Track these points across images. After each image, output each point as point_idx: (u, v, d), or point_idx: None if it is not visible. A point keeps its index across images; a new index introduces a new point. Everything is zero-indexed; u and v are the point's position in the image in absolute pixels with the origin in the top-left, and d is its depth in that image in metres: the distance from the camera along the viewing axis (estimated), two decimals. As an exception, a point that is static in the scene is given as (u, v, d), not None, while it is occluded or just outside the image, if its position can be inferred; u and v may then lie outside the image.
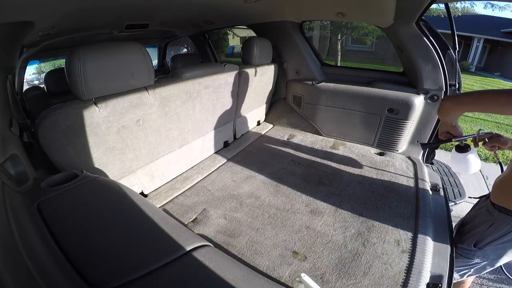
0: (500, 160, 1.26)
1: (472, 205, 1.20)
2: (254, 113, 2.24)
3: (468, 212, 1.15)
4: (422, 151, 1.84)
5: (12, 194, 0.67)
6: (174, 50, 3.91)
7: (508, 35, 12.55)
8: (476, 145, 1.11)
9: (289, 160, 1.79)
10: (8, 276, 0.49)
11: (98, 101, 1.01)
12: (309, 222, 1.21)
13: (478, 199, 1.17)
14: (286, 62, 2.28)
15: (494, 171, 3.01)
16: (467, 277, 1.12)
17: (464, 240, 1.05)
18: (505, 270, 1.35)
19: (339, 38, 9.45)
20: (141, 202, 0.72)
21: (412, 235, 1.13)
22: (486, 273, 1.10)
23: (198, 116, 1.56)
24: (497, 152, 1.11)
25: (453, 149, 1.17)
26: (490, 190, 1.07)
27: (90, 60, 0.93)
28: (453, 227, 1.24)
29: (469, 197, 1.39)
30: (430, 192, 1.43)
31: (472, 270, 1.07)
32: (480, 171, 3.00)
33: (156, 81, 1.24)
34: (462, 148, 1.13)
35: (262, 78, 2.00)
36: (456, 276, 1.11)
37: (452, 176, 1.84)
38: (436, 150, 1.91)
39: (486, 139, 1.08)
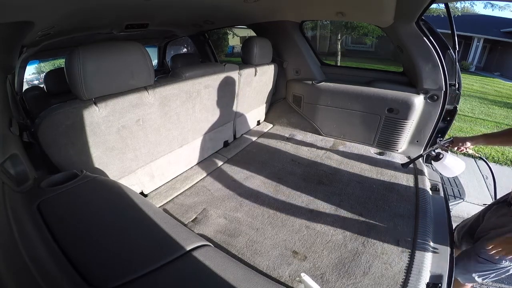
0: (479, 155, 1.49)
1: (475, 205, 1.21)
2: (254, 112, 2.24)
3: (482, 220, 1.15)
4: (430, 155, 1.84)
5: (12, 194, 0.67)
6: (174, 50, 3.91)
7: (508, 35, 12.54)
8: (446, 150, 1.30)
9: (289, 160, 1.79)
10: (8, 276, 0.49)
11: (98, 101, 1.01)
12: (309, 222, 1.21)
13: (488, 206, 1.17)
14: (286, 62, 2.27)
15: (494, 171, 3.01)
16: (489, 280, 1.11)
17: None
18: None
19: (339, 38, 9.44)
20: (141, 202, 0.72)
21: (412, 235, 1.13)
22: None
23: (198, 115, 1.56)
24: (468, 150, 1.26)
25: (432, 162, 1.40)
26: (501, 197, 1.08)
27: (90, 60, 0.93)
28: (453, 227, 1.24)
29: (484, 204, 1.42)
30: (430, 192, 1.43)
31: (495, 274, 1.07)
32: (480, 171, 3.00)
33: (156, 81, 1.24)
34: (436, 157, 1.31)
35: (262, 78, 2.00)
36: (479, 280, 1.11)
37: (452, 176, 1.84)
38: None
39: (450, 144, 1.27)
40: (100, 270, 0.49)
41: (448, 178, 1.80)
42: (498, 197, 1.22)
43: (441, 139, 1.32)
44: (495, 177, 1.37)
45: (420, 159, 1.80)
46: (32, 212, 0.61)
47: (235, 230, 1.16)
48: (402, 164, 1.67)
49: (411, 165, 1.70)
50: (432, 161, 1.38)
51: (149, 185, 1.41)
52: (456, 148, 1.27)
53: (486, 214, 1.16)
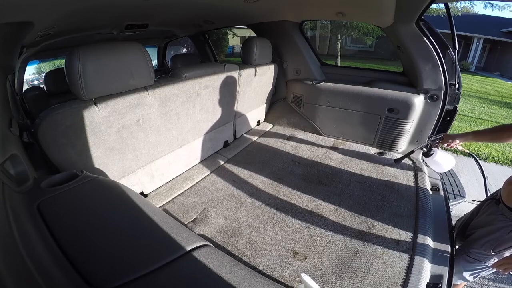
0: (468, 152, 1.53)
1: (475, 205, 1.21)
2: (254, 113, 2.24)
3: (476, 216, 1.16)
4: (422, 151, 1.84)
5: (12, 194, 0.67)
6: (174, 50, 3.91)
7: (508, 35, 12.53)
8: (436, 147, 1.35)
9: (289, 160, 1.79)
10: (8, 276, 0.49)
11: (98, 101, 1.01)
12: (309, 222, 1.21)
13: (482, 202, 1.18)
14: (286, 62, 2.28)
15: (494, 171, 3.02)
16: (480, 277, 1.13)
17: (480, 245, 1.05)
18: None
19: (339, 38, 9.44)
20: (141, 202, 0.72)
21: (412, 235, 1.13)
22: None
23: (198, 116, 1.56)
24: (458, 147, 1.29)
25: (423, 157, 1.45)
26: (493, 192, 1.09)
27: (90, 60, 0.93)
28: (453, 227, 1.25)
29: (473, 200, 1.45)
30: (430, 192, 1.43)
31: (484, 272, 1.09)
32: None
33: (156, 81, 1.24)
34: (427, 153, 1.36)
35: (262, 78, 2.00)
36: (470, 279, 1.13)
37: (452, 176, 1.84)
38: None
39: (439, 141, 1.31)
40: (100, 270, 0.49)
41: (448, 178, 1.80)
42: (489, 193, 1.24)
43: (432, 135, 1.38)
44: (484, 173, 1.38)
45: (421, 159, 1.81)
46: (32, 212, 0.61)
47: (235, 230, 1.16)
48: (395, 160, 1.71)
49: (411, 165, 1.71)
50: (424, 157, 1.44)
51: (149, 185, 1.41)
52: (446, 145, 1.30)
53: (480, 209, 1.17)
